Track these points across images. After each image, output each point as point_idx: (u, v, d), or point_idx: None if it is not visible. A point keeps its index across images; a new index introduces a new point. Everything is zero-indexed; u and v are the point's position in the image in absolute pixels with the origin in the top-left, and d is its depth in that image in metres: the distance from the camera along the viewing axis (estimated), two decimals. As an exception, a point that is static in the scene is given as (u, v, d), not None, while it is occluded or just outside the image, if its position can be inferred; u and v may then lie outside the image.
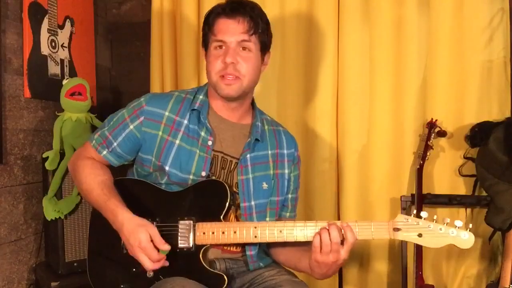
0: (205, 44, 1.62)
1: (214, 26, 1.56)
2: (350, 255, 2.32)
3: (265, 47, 1.62)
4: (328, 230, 1.40)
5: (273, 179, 1.65)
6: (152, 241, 1.41)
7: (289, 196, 1.72)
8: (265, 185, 1.62)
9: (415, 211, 1.46)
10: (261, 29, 1.57)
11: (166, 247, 1.42)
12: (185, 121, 1.58)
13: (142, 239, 1.39)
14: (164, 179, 1.57)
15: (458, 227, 1.40)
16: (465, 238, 1.40)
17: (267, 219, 1.61)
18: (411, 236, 1.42)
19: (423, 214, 1.42)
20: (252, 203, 1.58)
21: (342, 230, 1.41)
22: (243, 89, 1.57)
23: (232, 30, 1.53)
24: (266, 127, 1.70)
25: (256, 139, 1.63)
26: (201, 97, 1.63)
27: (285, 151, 1.70)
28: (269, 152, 1.67)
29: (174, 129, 1.57)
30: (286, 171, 1.69)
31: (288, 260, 1.63)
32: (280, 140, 1.71)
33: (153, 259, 1.40)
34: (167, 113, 1.58)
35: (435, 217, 1.42)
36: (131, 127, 1.58)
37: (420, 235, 1.41)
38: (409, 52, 2.27)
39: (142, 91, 2.57)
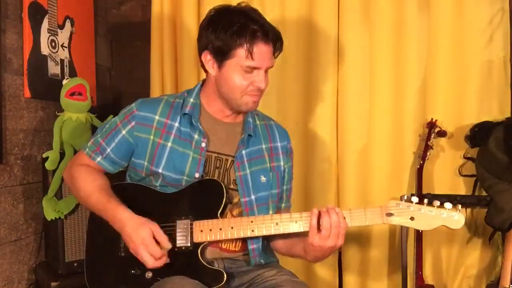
0: (222, 56, 1.53)
1: (254, 51, 1.49)
2: (350, 255, 2.37)
3: None
4: (328, 214, 1.42)
5: (271, 172, 1.67)
6: (154, 239, 1.43)
7: (284, 187, 1.75)
8: (263, 179, 1.64)
9: (406, 196, 1.47)
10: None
11: (168, 245, 1.44)
12: (176, 124, 1.60)
13: (145, 236, 1.41)
14: (159, 181, 1.59)
15: (448, 209, 1.42)
16: (456, 219, 1.42)
17: (270, 212, 1.63)
18: (404, 220, 1.45)
19: (414, 198, 1.45)
20: (253, 197, 1.60)
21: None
22: None
23: (268, 57, 1.54)
24: (258, 122, 1.72)
25: (249, 135, 1.65)
26: (191, 100, 1.63)
27: (279, 144, 1.73)
28: (263, 146, 1.69)
29: (165, 132, 1.59)
30: (282, 163, 1.71)
31: (282, 246, 1.66)
32: (272, 134, 1.74)
33: (156, 255, 1.42)
34: (157, 117, 1.59)
35: (425, 200, 1.44)
36: (123, 132, 1.59)
37: (412, 219, 1.44)
38: (409, 52, 2.27)
39: (142, 91, 2.61)
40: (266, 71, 1.57)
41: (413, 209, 1.44)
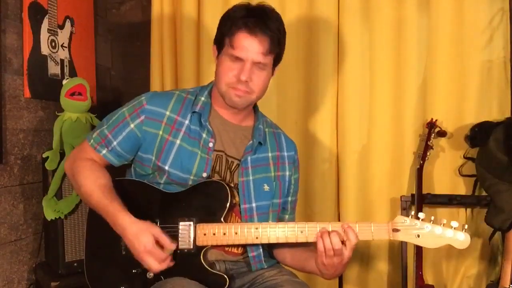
0: (219, 44, 1.56)
1: (234, 39, 1.48)
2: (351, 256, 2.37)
3: (278, 60, 1.60)
4: (328, 234, 1.42)
5: (275, 181, 1.64)
6: (157, 242, 1.40)
7: (289, 199, 1.71)
8: (266, 187, 1.60)
9: (413, 212, 1.47)
10: (279, 45, 1.54)
11: (173, 246, 1.42)
12: (186, 122, 1.57)
13: (147, 243, 1.38)
14: (163, 178, 1.55)
15: (455, 228, 1.43)
16: (461, 239, 1.43)
17: (270, 221, 1.60)
18: (410, 237, 1.45)
19: (421, 215, 1.44)
20: (253, 204, 1.57)
21: (344, 232, 1.43)
22: (250, 102, 1.59)
23: (251, 50, 1.48)
24: (266, 129, 1.70)
25: (259, 143, 1.62)
26: (203, 98, 1.61)
27: (285, 153, 1.70)
28: (270, 154, 1.66)
29: (175, 129, 1.56)
30: (287, 173, 1.68)
31: (294, 261, 1.63)
32: (280, 142, 1.71)
33: (161, 258, 1.40)
34: (168, 113, 1.56)
35: (432, 218, 1.44)
36: (132, 126, 1.56)
37: (418, 236, 1.44)
38: (409, 52, 2.27)
39: (142, 91, 2.55)
40: (257, 68, 1.51)
41: (419, 226, 1.44)
